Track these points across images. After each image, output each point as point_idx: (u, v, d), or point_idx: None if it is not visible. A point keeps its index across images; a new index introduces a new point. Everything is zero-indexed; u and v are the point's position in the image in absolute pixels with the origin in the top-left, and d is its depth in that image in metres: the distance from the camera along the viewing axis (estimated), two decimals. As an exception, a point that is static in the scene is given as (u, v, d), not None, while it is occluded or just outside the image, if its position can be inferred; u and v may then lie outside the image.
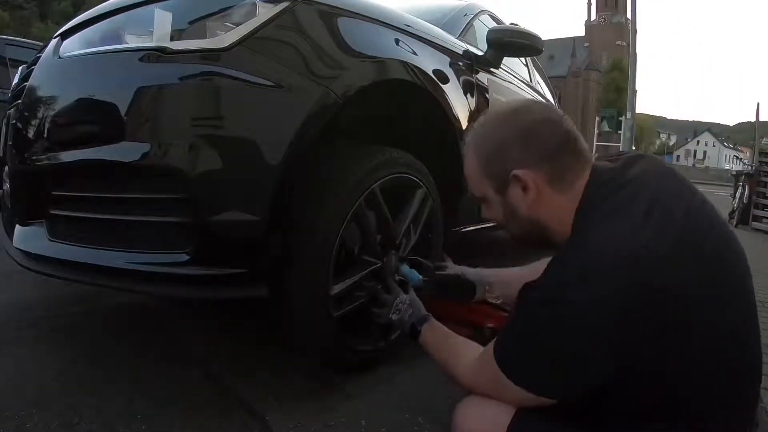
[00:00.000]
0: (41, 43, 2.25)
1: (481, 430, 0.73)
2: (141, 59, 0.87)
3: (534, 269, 1.02)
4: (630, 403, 0.62)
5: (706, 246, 0.60)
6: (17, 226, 1.07)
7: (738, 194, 6.40)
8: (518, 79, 2.13)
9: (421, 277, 1.13)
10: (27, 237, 1.03)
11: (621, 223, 0.60)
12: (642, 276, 0.55)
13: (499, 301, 1.63)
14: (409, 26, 1.30)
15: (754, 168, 6.29)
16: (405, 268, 1.15)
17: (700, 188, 0.72)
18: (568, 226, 0.66)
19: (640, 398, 0.61)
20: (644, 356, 0.58)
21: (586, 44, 51.00)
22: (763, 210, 5.89)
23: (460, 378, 0.74)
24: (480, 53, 1.69)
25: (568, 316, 0.57)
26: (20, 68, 1.36)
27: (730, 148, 69.24)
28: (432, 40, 1.40)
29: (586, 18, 53.54)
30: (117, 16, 1.01)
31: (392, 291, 1.01)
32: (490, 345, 0.68)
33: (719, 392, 0.60)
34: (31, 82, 1.06)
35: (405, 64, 1.18)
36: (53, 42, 1.10)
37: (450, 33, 1.63)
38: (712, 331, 0.59)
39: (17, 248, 1.03)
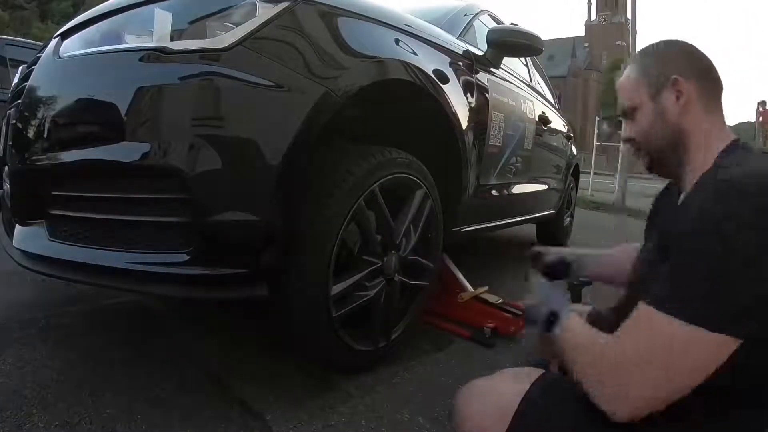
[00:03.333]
0: (41, 43, 2.25)
1: (487, 414, 0.72)
2: (141, 59, 0.87)
3: (624, 250, 1.00)
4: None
5: None
6: (17, 226, 1.07)
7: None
8: (518, 79, 2.13)
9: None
10: (27, 237, 1.03)
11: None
12: None
13: (499, 301, 1.64)
14: (409, 26, 1.30)
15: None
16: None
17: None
18: (710, 155, 0.68)
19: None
20: None
21: (586, 44, 50.99)
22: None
23: (604, 358, 0.61)
24: (480, 53, 1.69)
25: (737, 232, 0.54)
26: (20, 68, 1.36)
27: (730, 148, 69.01)
28: (432, 40, 1.40)
29: (586, 18, 53.55)
30: (117, 16, 1.01)
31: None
32: (638, 310, 0.61)
33: None
34: (31, 82, 1.06)
35: (405, 64, 1.18)
36: (53, 42, 1.10)
37: (450, 33, 1.63)
38: None
39: (17, 248, 1.03)
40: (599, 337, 0.66)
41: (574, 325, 0.70)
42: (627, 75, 0.77)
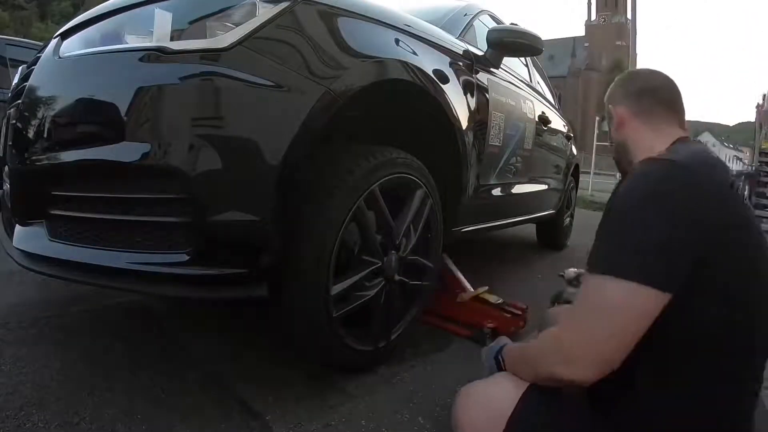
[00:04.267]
0: (41, 43, 2.25)
1: (483, 417, 0.73)
2: (141, 59, 0.87)
3: None
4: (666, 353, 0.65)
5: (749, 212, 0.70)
6: (17, 226, 1.07)
7: (738, 194, 6.40)
8: (518, 79, 2.12)
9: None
10: (27, 237, 1.03)
11: (693, 156, 0.70)
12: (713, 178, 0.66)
13: (499, 301, 1.64)
14: (409, 26, 1.30)
15: (754, 168, 6.30)
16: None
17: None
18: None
19: (680, 344, 0.64)
20: (703, 248, 0.61)
21: (586, 44, 50.95)
22: (764, 210, 5.89)
23: (551, 340, 0.71)
24: (480, 53, 1.69)
25: (654, 194, 0.64)
26: (20, 68, 1.36)
27: (730, 148, 69.18)
28: (432, 40, 1.40)
29: (586, 18, 53.51)
30: (117, 16, 1.00)
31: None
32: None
33: (733, 342, 0.64)
34: (31, 82, 1.06)
35: (405, 64, 1.18)
36: (53, 42, 1.10)
37: (450, 33, 1.63)
38: (739, 270, 0.63)
39: (17, 248, 1.03)
40: (534, 341, 0.78)
41: (509, 359, 0.84)
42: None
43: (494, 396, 0.75)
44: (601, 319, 0.63)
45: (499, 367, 0.86)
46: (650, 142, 0.81)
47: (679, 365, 0.65)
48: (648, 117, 0.84)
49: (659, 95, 0.85)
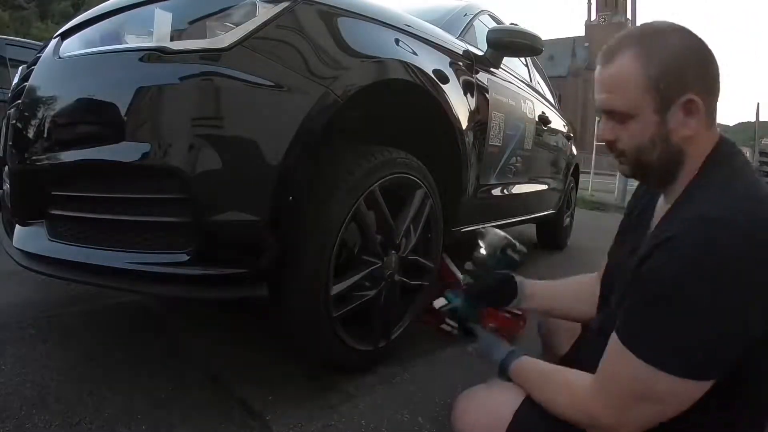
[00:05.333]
0: (41, 43, 2.25)
1: (482, 423, 0.73)
2: (141, 59, 0.87)
3: (578, 282, 0.99)
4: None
5: None
6: (17, 226, 1.06)
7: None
8: (518, 79, 2.12)
9: (459, 300, 1.01)
10: (27, 237, 1.03)
11: (751, 180, 0.59)
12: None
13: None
14: (409, 26, 1.30)
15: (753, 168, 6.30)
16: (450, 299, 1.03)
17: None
18: (699, 161, 0.63)
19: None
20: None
21: (586, 44, 50.92)
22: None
23: (578, 404, 0.63)
24: (480, 53, 1.69)
25: (716, 265, 0.52)
26: (20, 68, 1.36)
27: (730, 148, 69.03)
28: (432, 40, 1.40)
29: (586, 18, 53.52)
30: (117, 16, 1.00)
31: (471, 333, 0.94)
32: (611, 347, 0.60)
33: None
34: (31, 82, 1.06)
35: (405, 64, 1.18)
36: (53, 42, 1.10)
37: (450, 33, 1.63)
38: None
39: (17, 248, 1.03)
40: (561, 377, 0.69)
41: (524, 370, 0.75)
42: (626, 71, 0.63)
43: (495, 402, 0.74)
44: (643, 407, 0.57)
45: (502, 371, 0.81)
46: (703, 151, 0.63)
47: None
48: (714, 116, 0.63)
49: (719, 82, 0.64)
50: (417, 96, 1.27)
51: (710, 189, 0.60)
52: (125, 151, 0.85)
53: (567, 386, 0.66)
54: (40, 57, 1.12)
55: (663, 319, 0.54)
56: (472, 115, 1.50)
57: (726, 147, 0.64)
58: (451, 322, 1.02)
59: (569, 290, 0.99)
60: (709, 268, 0.52)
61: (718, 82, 0.63)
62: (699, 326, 0.52)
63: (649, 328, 0.56)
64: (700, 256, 0.52)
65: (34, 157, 0.99)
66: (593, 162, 9.21)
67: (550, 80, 3.22)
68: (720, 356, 0.53)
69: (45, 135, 0.97)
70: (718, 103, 0.64)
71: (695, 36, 0.63)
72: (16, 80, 1.36)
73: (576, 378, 0.66)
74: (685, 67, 0.61)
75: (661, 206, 0.72)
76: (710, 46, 0.63)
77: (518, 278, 0.98)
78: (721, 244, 0.52)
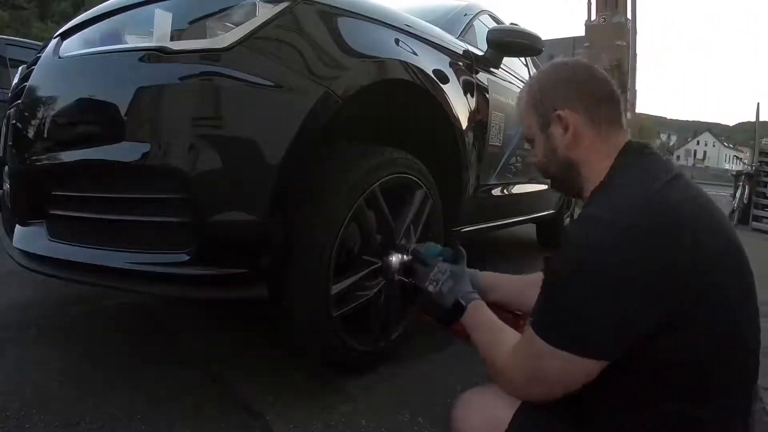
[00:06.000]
0: (41, 43, 2.25)
1: (481, 425, 0.73)
2: (141, 59, 0.87)
3: (533, 279, 1.03)
4: (642, 379, 0.62)
5: (721, 223, 0.63)
6: (17, 226, 1.07)
7: (738, 194, 6.41)
8: (518, 79, 2.13)
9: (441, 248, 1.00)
10: (27, 237, 1.03)
11: (651, 180, 0.63)
12: (664, 226, 0.57)
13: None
14: (409, 26, 1.30)
15: (754, 168, 6.30)
16: (423, 247, 1.02)
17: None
18: (603, 169, 0.69)
19: (657, 372, 0.61)
20: (666, 315, 0.57)
21: (586, 44, 50.99)
22: (763, 210, 5.89)
23: (500, 362, 0.71)
24: (480, 53, 1.69)
25: (593, 263, 0.58)
26: (20, 68, 1.36)
27: (730, 148, 69.22)
28: (432, 40, 1.40)
29: (586, 18, 53.54)
30: (117, 16, 1.00)
31: (428, 261, 0.94)
32: (527, 329, 0.68)
33: (725, 371, 0.60)
34: (31, 82, 1.06)
35: (405, 64, 1.18)
36: (53, 42, 1.10)
37: (450, 33, 1.63)
38: (722, 304, 0.59)
39: (17, 248, 1.03)
40: (502, 338, 0.75)
41: (475, 320, 0.81)
42: (521, 104, 0.78)
43: (492, 405, 0.75)
44: (538, 380, 0.65)
45: (456, 309, 0.82)
46: (603, 160, 0.69)
47: (649, 390, 0.62)
48: (605, 127, 0.70)
49: (613, 98, 0.72)
50: (417, 96, 1.27)
51: (606, 192, 0.66)
52: (125, 151, 0.85)
53: (500, 341, 0.74)
54: (40, 57, 1.12)
55: (550, 302, 0.64)
56: (472, 115, 1.50)
57: (633, 152, 0.69)
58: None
59: (521, 284, 1.06)
60: (584, 261, 0.59)
61: (604, 95, 0.71)
62: (577, 310, 0.60)
63: (543, 309, 0.65)
64: (577, 249, 0.61)
65: (34, 157, 0.99)
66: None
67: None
68: (596, 334, 0.59)
69: (45, 135, 0.97)
70: (611, 118, 0.71)
71: (575, 63, 0.75)
72: (16, 80, 1.36)
73: (508, 336, 0.74)
74: (553, 88, 0.73)
75: None
76: (594, 68, 0.74)
77: (469, 270, 0.99)
78: (595, 239, 0.59)
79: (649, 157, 0.68)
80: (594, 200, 0.68)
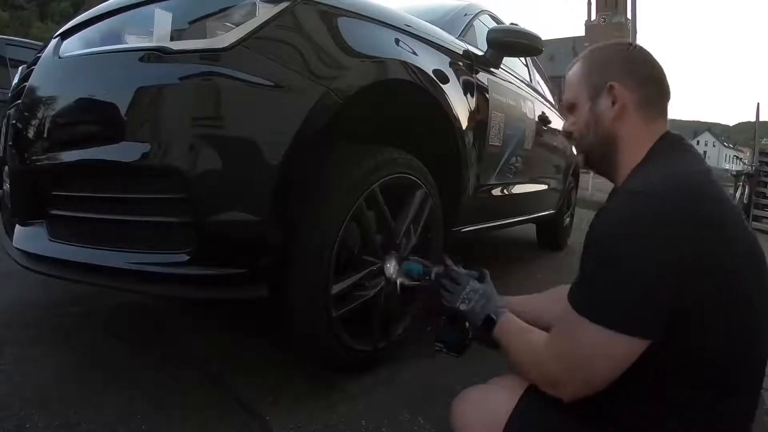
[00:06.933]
0: (41, 43, 2.25)
1: (480, 422, 0.73)
2: (141, 59, 0.87)
3: (557, 293, 0.97)
4: (657, 369, 0.61)
5: (746, 225, 0.64)
6: (17, 226, 1.07)
7: (738, 194, 6.42)
8: (518, 79, 2.12)
9: (422, 269, 0.98)
10: (27, 237, 1.03)
11: (690, 169, 0.66)
12: (706, 215, 0.59)
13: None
14: (409, 26, 1.30)
15: (754, 168, 6.30)
16: (408, 265, 0.99)
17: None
18: (630, 167, 0.71)
19: (674, 362, 0.61)
20: (693, 298, 0.58)
21: (586, 44, 50.93)
22: (763, 210, 5.90)
23: (534, 356, 0.69)
24: (480, 53, 1.69)
25: (632, 237, 0.59)
26: (20, 68, 1.36)
27: (730, 148, 69.30)
28: (432, 40, 1.40)
29: (586, 18, 53.54)
30: (117, 16, 1.01)
31: (460, 279, 0.91)
32: (565, 312, 0.66)
33: (743, 357, 0.61)
34: (31, 82, 1.06)
35: (405, 64, 1.18)
36: (53, 42, 1.10)
37: (450, 33, 1.63)
38: (745, 301, 0.60)
39: (17, 248, 1.03)
40: (532, 338, 0.73)
41: (509, 328, 0.78)
42: (573, 71, 0.80)
43: (491, 402, 0.74)
44: (578, 366, 0.62)
45: (486, 325, 0.80)
46: (643, 142, 0.72)
47: (671, 382, 0.62)
48: (650, 111, 0.73)
49: (664, 86, 0.74)
50: (417, 96, 1.27)
51: (645, 170, 0.68)
52: (125, 151, 0.85)
53: (535, 342, 0.71)
54: (40, 57, 1.12)
55: (593, 277, 0.62)
56: (472, 115, 1.50)
57: (672, 141, 0.72)
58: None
59: (546, 302, 1.01)
60: (629, 232, 0.59)
61: (656, 81, 0.74)
62: (620, 283, 0.58)
63: (583, 286, 0.63)
64: (621, 221, 0.60)
65: (34, 157, 0.99)
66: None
67: (550, 80, 3.22)
68: (637, 309, 0.58)
69: (45, 135, 0.97)
70: (667, 105, 0.74)
71: (636, 46, 0.78)
72: (16, 80, 1.36)
73: (543, 337, 0.71)
74: (609, 61, 0.75)
75: None
76: (652, 56, 0.76)
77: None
78: (640, 212, 0.59)
79: (687, 150, 0.71)
80: (634, 177, 0.69)
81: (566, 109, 0.82)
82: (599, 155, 0.77)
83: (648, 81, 0.74)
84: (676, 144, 0.71)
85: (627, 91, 0.72)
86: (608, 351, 0.60)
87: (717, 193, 0.63)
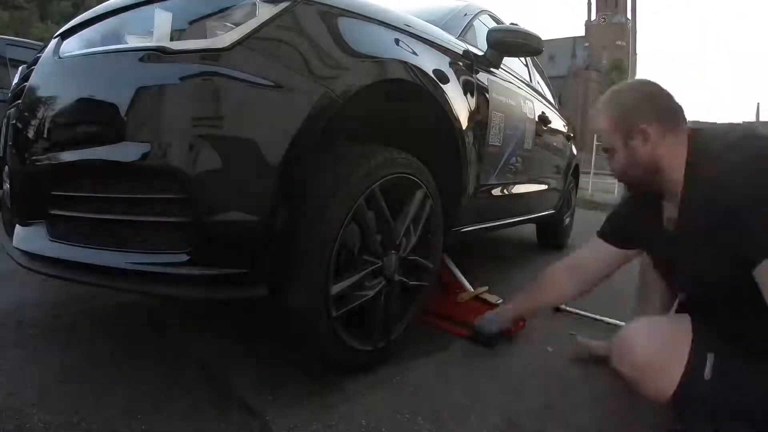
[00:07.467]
0: (41, 43, 2.25)
1: (651, 341, 0.91)
2: (141, 59, 0.87)
3: (548, 282, 1.36)
4: None
5: None
6: (17, 226, 1.07)
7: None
8: (518, 79, 2.12)
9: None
10: (27, 237, 1.03)
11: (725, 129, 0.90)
12: None
13: (499, 301, 1.64)
14: (409, 26, 1.30)
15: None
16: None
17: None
18: (679, 174, 0.89)
19: None
20: None
21: (586, 44, 50.93)
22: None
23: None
24: (480, 53, 1.69)
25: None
26: (20, 68, 1.36)
27: (730, 148, 69.01)
28: (432, 40, 1.40)
29: (586, 18, 53.51)
30: (117, 16, 1.00)
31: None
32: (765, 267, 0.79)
33: None
34: (31, 82, 1.06)
35: (405, 64, 1.18)
36: (53, 42, 1.10)
37: (450, 33, 1.63)
38: None
39: (17, 248, 1.03)
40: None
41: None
42: (602, 122, 0.98)
43: (664, 325, 0.94)
44: None
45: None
46: (678, 154, 0.89)
47: None
48: (673, 129, 0.91)
49: (678, 106, 0.93)
50: (417, 96, 1.27)
51: (706, 159, 0.86)
52: (125, 151, 0.85)
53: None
54: (40, 57, 1.12)
55: None
56: (472, 115, 1.50)
57: (701, 138, 0.90)
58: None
59: (538, 291, 1.37)
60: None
61: (671, 106, 0.93)
62: None
63: None
64: (757, 154, 0.80)
65: (34, 157, 0.99)
66: (593, 162, 9.20)
67: (550, 80, 3.22)
68: None
69: (45, 135, 0.97)
70: (679, 122, 0.93)
71: (643, 83, 0.98)
72: (16, 80, 1.36)
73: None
74: (632, 107, 0.94)
75: (668, 206, 0.98)
76: (658, 86, 0.95)
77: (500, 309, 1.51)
78: (758, 153, 0.82)
79: (714, 136, 0.89)
80: (694, 172, 0.87)
81: (604, 151, 1.01)
82: (649, 181, 0.95)
83: (667, 111, 0.92)
84: (709, 139, 0.89)
85: (653, 126, 0.91)
86: None
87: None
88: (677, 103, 0.93)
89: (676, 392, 0.88)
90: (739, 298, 0.82)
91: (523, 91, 2.09)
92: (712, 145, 0.87)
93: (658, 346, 0.90)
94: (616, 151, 0.96)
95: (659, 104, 0.92)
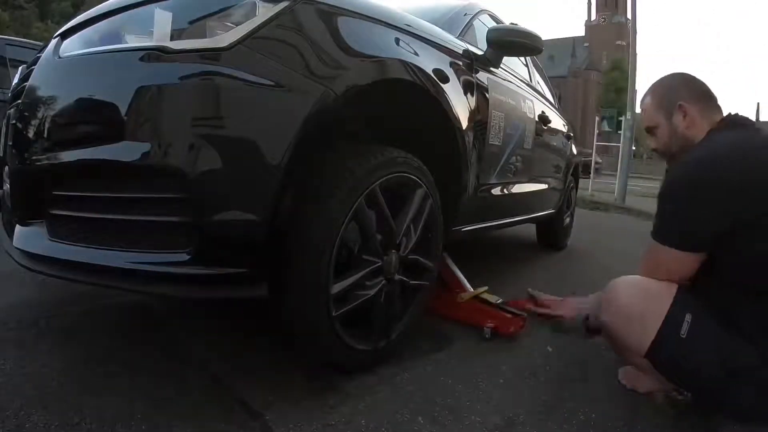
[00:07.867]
0: (41, 43, 2.25)
1: (632, 294, 1.04)
2: (141, 59, 0.87)
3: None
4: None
5: None
6: (17, 226, 1.07)
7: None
8: (518, 79, 2.12)
9: None
10: (27, 237, 1.03)
11: (740, 137, 1.01)
12: (748, 165, 0.93)
13: (499, 301, 1.64)
14: (409, 26, 1.30)
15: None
16: None
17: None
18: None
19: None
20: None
21: (586, 44, 50.98)
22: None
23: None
24: (480, 53, 1.69)
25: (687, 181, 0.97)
26: (20, 68, 1.36)
27: (730, 147, 69.07)
28: (432, 39, 1.40)
29: (586, 18, 53.54)
30: (117, 16, 1.00)
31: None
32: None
33: None
34: (31, 82, 1.06)
35: (405, 64, 1.18)
36: (53, 42, 1.10)
37: (450, 33, 1.63)
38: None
39: (17, 248, 1.03)
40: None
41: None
42: (647, 103, 1.18)
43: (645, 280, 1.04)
44: (660, 271, 1.02)
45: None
46: (703, 131, 1.08)
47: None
48: (707, 110, 1.09)
49: (711, 92, 1.12)
50: (417, 95, 1.27)
51: (700, 144, 1.06)
52: (125, 151, 0.85)
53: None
54: (40, 57, 1.12)
55: (663, 213, 1.02)
56: (472, 114, 1.50)
57: (728, 122, 1.07)
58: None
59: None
60: (691, 178, 0.97)
61: (705, 89, 1.13)
62: (683, 215, 0.97)
63: (657, 220, 1.03)
64: (686, 171, 0.99)
65: (34, 157, 0.99)
66: (593, 162, 9.21)
67: (550, 80, 3.21)
68: (699, 236, 0.96)
69: (45, 135, 0.97)
70: (713, 105, 1.13)
71: (683, 73, 1.19)
72: (16, 80, 1.36)
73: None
74: (673, 88, 1.14)
75: None
76: (694, 73, 1.16)
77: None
78: (699, 164, 0.98)
79: (739, 125, 1.05)
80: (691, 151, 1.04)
81: (647, 131, 1.18)
82: (682, 153, 1.09)
83: (702, 94, 1.11)
84: (731, 124, 1.05)
85: (691, 105, 1.09)
86: (678, 263, 1.00)
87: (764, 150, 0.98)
88: (712, 92, 1.11)
89: (653, 345, 0.96)
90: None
91: (523, 90, 2.09)
92: (714, 136, 1.04)
93: (642, 295, 1.01)
94: (659, 126, 1.14)
95: (697, 88, 1.11)
